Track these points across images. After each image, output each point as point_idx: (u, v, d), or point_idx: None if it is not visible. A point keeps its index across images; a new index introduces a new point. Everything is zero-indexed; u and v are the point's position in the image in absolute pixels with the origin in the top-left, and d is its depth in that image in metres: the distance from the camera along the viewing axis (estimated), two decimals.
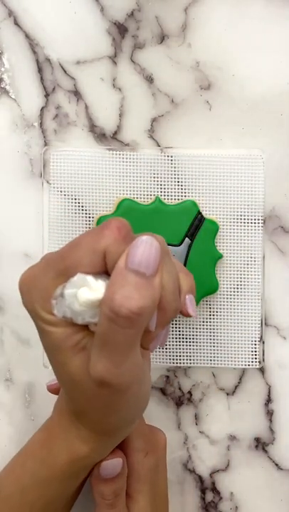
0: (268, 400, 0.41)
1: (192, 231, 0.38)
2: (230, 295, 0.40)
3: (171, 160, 0.39)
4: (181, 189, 0.39)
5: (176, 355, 0.40)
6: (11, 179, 0.40)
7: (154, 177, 0.39)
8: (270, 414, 0.41)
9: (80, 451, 0.30)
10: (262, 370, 0.41)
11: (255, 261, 0.40)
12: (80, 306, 0.26)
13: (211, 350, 0.40)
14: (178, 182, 0.39)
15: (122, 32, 0.40)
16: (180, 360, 0.40)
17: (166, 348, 0.40)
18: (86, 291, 0.26)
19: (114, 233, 0.26)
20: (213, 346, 0.40)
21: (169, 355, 0.40)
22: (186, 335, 0.40)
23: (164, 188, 0.39)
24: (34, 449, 0.32)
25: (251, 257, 0.40)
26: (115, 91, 0.40)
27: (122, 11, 0.40)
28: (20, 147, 0.40)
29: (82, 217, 0.39)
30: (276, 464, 0.41)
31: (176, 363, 0.40)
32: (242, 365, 0.40)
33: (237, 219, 0.39)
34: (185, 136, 0.40)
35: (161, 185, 0.39)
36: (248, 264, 0.40)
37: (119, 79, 0.40)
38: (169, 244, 0.38)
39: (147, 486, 0.34)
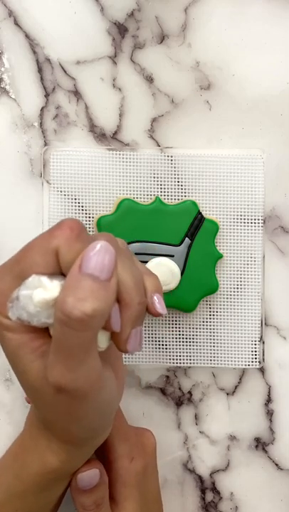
0: (268, 400, 0.41)
1: (192, 231, 0.38)
2: (231, 295, 0.40)
3: (171, 160, 0.39)
4: (181, 189, 0.39)
5: (176, 355, 0.40)
6: (10, 179, 0.40)
7: (154, 177, 0.39)
8: (270, 414, 0.41)
9: (52, 463, 0.29)
10: (262, 370, 0.41)
11: (255, 261, 0.40)
12: (34, 307, 0.26)
13: (211, 350, 0.40)
14: (178, 182, 0.39)
15: (122, 32, 0.40)
16: (180, 360, 0.40)
17: (166, 348, 0.40)
18: (41, 291, 0.26)
19: (66, 232, 0.26)
20: (213, 346, 0.40)
21: (169, 355, 0.40)
22: (186, 335, 0.40)
23: (164, 188, 0.39)
24: (7, 463, 0.31)
25: (251, 257, 0.40)
26: (115, 91, 0.40)
27: (122, 10, 0.40)
28: (20, 147, 0.40)
29: (82, 217, 0.39)
30: (276, 464, 0.41)
31: (176, 362, 0.40)
32: (242, 365, 0.40)
33: (237, 219, 0.39)
34: (185, 136, 0.40)
35: (161, 185, 0.39)
36: (248, 264, 0.40)
37: (119, 79, 0.40)
38: (168, 244, 0.38)
39: (135, 491, 0.34)
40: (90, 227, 0.39)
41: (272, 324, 0.41)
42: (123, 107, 0.40)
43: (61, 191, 0.39)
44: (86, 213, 0.39)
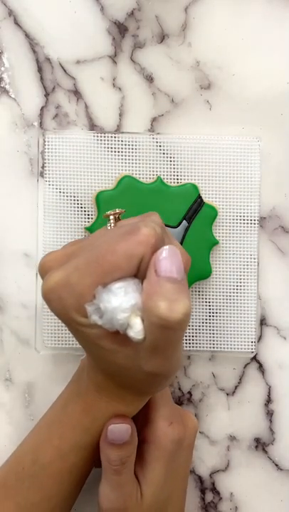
0: (268, 400, 0.41)
1: (190, 214, 0.38)
2: (224, 281, 0.40)
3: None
4: (179, 174, 0.39)
5: None
6: (10, 179, 0.40)
7: (152, 168, 0.39)
8: (270, 414, 0.41)
9: (125, 412, 0.32)
10: (262, 370, 0.41)
11: (250, 248, 0.40)
12: (124, 318, 0.27)
13: (208, 334, 0.40)
14: (174, 168, 0.39)
15: (122, 31, 0.40)
16: None
17: None
18: (129, 302, 0.27)
19: (151, 240, 0.27)
20: (210, 330, 0.40)
21: None
22: None
23: (164, 178, 0.39)
24: (73, 421, 0.33)
25: (246, 245, 0.40)
26: (115, 90, 0.40)
27: (122, 10, 0.40)
28: (20, 147, 0.40)
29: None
30: (276, 464, 0.41)
31: None
32: (237, 349, 0.39)
33: (234, 207, 0.39)
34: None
35: (159, 172, 0.39)
36: (242, 252, 0.40)
37: (119, 78, 0.40)
38: (166, 226, 0.38)
39: (167, 456, 0.34)
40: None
41: (272, 324, 0.41)
42: (123, 106, 0.40)
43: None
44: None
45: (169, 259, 0.27)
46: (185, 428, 0.35)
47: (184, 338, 0.40)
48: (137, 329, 0.26)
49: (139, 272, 0.28)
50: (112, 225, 0.32)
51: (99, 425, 0.32)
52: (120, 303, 0.26)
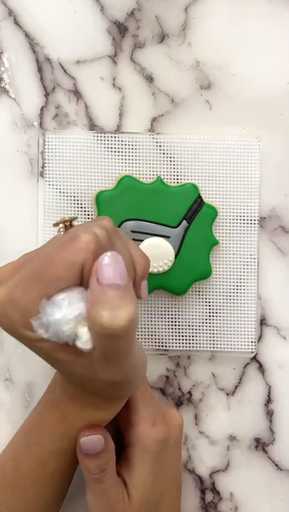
0: (268, 400, 0.41)
1: (190, 214, 0.38)
2: (224, 281, 0.40)
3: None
4: (179, 175, 0.39)
5: (172, 339, 0.40)
6: (10, 179, 0.40)
7: (152, 168, 0.39)
8: (270, 414, 0.41)
9: (100, 417, 0.32)
10: (262, 370, 0.41)
11: (250, 248, 0.39)
12: (69, 329, 0.26)
13: (208, 334, 0.40)
14: (174, 168, 0.39)
15: (122, 31, 0.40)
16: (177, 344, 0.40)
17: (162, 332, 0.40)
18: (72, 313, 0.26)
19: (91, 246, 0.27)
20: (210, 330, 0.40)
21: (165, 340, 0.40)
22: (183, 319, 0.39)
23: (164, 178, 0.39)
24: (49, 428, 0.33)
25: (246, 245, 0.39)
26: (115, 90, 0.40)
27: (122, 10, 0.40)
28: (20, 146, 0.40)
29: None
30: (276, 465, 0.41)
31: (164, 346, 0.40)
32: (237, 349, 0.39)
33: (234, 207, 0.39)
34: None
35: (158, 173, 0.39)
36: (242, 252, 0.40)
37: (119, 78, 0.40)
38: (166, 225, 0.38)
39: (152, 457, 0.34)
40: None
41: (272, 324, 0.41)
42: (123, 106, 0.40)
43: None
44: (85, 212, 0.39)
45: (112, 266, 0.26)
46: (169, 426, 0.35)
47: (184, 338, 0.40)
48: (84, 339, 0.26)
49: (84, 280, 0.27)
50: (62, 233, 0.31)
51: (76, 431, 0.32)
52: (64, 314, 0.26)
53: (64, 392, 0.32)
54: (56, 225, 0.31)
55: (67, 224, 0.31)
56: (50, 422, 0.33)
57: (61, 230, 0.31)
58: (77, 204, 0.39)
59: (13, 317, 0.27)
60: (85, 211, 0.39)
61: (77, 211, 0.39)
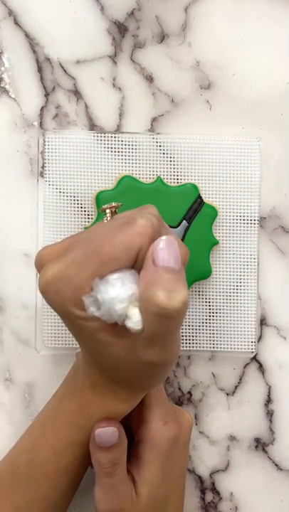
0: (268, 400, 0.41)
1: (190, 214, 0.38)
2: (224, 281, 0.40)
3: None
4: (178, 175, 0.39)
5: None
6: (10, 179, 0.40)
7: (152, 168, 0.39)
8: (270, 414, 0.41)
9: (119, 409, 0.32)
10: (262, 370, 0.41)
11: (250, 248, 0.39)
12: (122, 308, 0.26)
13: (208, 334, 0.40)
14: (174, 168, 0.39)
15: (122, 31, 0.40)
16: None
17: None
18: (127, 293, 0.26)
19: (149, 231, 0.27)
20: (210, 330, 0.40)
21: None
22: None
23: (164, 178, 0.39)
24: (68, 419, 0.33)
25: (246, 245, 0.39)
26: (115, 90, 0.40)
27: (122, 10, 0.40)
28: (20, 146, 0.40)
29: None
30: (276, 465, 0.41)
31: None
32: (237, 349, 0.39)
33: (234, 207, 0.39)
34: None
35: (161, 174, 0.39)
36: (242, 252, 0.40)
37: (119, 78, 0.40)
38: None
39: (163, 456, 0.34)
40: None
41: (272, 324, 0.41)
42: (123, 106, 0.40)
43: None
44: (85, 212, 0.39)
45: (167, 249, 0.27)
46: (180, 426, 0.35)
47: (184, 338, 0.40)
48: (135, 319, 0.26)
49: (136, 263, 0.28)
50: (109, 218, 0.32)
51: (93, 423, 0.32)
52: (118, 293, 0.26)
53: (88, 379, 0.32)
54: (103, 210, 0.32)
55: (113, 210, 0.32)
56: (69, 412, 0.33)
57: (108, 215, 0.32)
58: (77, 204, 0.39)
59: (66, 294, 0.27)
60: (85, 211, 0.39)
61: (77, 211, 0.39)
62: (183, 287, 0.26)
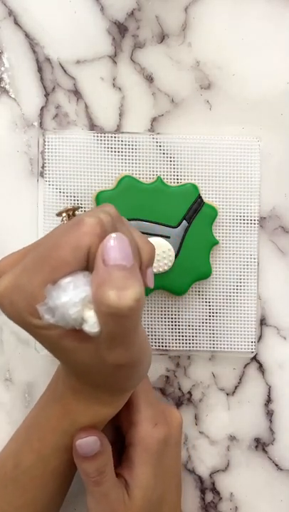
0: (268, 400, 0.41)
1: (190, 214, 0.38)
2: (224, 281, 0.40)
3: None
4: (178, 175, 0.39)
5: (172, 339, 0.40)
6: (10, 179, 0.40)
7: (152, 168, 0.39)
8: (270, 414, 0.41)
9: (104, 413, 0.32)
10: (262, 370, 0.41)
11: (250, 248, 0.40)
12: (76, 312, 0.26)
13: (208, 334, 0.40)
14: (174, 168, 0.39)
15: (122, 31, 0.40)
16: (177, 344, 0.40)
17: (162, 332, 0.40)
18: (79, 296, 0.26)
19: (97, 230, 0.27)
20: (210, 330, 0.40)
21: (165, 340, 0.40)
22: (183, 319, 0.39)
23: (164, 178, 0.39)
24: (51, 424, 0.33)
25: (246, 245, 0.39)
26: (115, 90, 0.40)
27: (122, 10, 0.40)
28: (20, 147, 0.40)
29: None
30: (276, 465, 0.41)
31: (170, 347, 0.40)
32: (237, 349, 0.39)
33: (234, 207, 0.39)
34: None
35: (161, 174, 0.39)
36: (242, 252, 0.40)
37: (119, 78, 0.40)
38: (165, 225, 0.38)
39: (154, 457, 0.34)
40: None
41: (272, 324, 0.41)
42: (123, 106, 0.40)
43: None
44: (84, 211, 0.39)
45: (117, 247, 0.26)
46: (170, 426, 0.35)
47: (184, 338, 0.40)
48: (91, 322, 0.26)
49: (89, 265, 0.27)
50: (65, 221, 0.31)
51: (78, 427, 0.32)
52: (70, 297, 0.26)
53: (67, 387, 0.32)
54: (59, 214, 0.31)
55: (70, 213, 0.32)
56: (52, 418, 0.33)
57: (64, 219, 0.31)
58: (77, 204, 0.39)
59: (20, 304, 0.27)
60: (84, 211, 0.39)
61: (77, 211, 0.39)
62: (135, 284, 0.25)
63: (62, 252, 0.26)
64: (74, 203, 0.39)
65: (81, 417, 0.32)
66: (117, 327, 0.26)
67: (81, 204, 0.39)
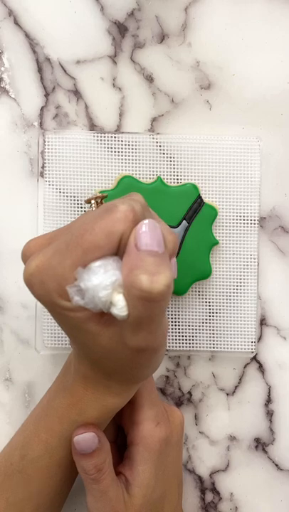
0: (268, 400, 0.41)
1: (190, 214, 0.38)
2: (224, 281, 0.40)
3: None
4: (178, 175, 0.39)
5: (172, 339, 0.40)
6: (10, 179, 0.40)
7: (152, 168, 0.39)
8: (270, 414, 0.41)
9: (112, 404, 0.32)
10: (262, 370, 0.41)
11: (250, 248, 0.39)
12: (106, 296, 0.26)
13: (208, 334, 0.40)
14: (174, 168, 0.39)
15: (122, 31, 0.40)
16: (177, 344, 0.40)
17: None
18: (110, 279, 0.26)
19: (130, 216, 0.27)
20: (210, 330, 0.40)
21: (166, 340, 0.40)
22: (183, 319, 0.40)
23: (164, 178, 0.39)
24: (60, 414, 0.33)
25: (246, 246, 0.39)
26: (115, 90, 0.40)
27: (122, 10, 0.40)
28: (20, 147, 0.40)
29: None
30: (276, 465, 0.41)
31: (170, 347, 0.40)
32: (236, 349, 0.39)
33: (234, 207, 0.39)
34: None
35: (161, 174, 0.39)
36: (242, 252, 0.40)
37: (119, 78, 0.40)
38: None
39: (156, 456, 0.34)
40: None
41: (272, 324, 0.41)
42: (123, 106, 0.40)
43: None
44: (84, 211, 0.39)
45: (149, 233, 0.27)
46: (172, 426, 0.35)
47: (184, 338, 0.40)
48: (120, 306, 0.26)
49: (120, 250, 0.27)
50: (94, 208, 0.32)
51: (86, 418, 0.32)
52: (101, 280, 0.26)
53: (78, 375, 0.32)
54: (88, 201, 0.32)
55: (99, 200, 0.32)
56: (61, 407, 0.33)
57: (93, 205, 0.32)
58: (77, 204, 0.39)
59: (50, 285, 0.27)
60: (84, 211, 0.39)
61: (77, 211, 0.39)
62: (166, 270, 0.26)
63: (95, 236, 0.27)
64: (74, 203, 0.39)
65: (89, 407, 0.32)
66: (145, 311, 0.26)
67: (81, 204, 0.39)
